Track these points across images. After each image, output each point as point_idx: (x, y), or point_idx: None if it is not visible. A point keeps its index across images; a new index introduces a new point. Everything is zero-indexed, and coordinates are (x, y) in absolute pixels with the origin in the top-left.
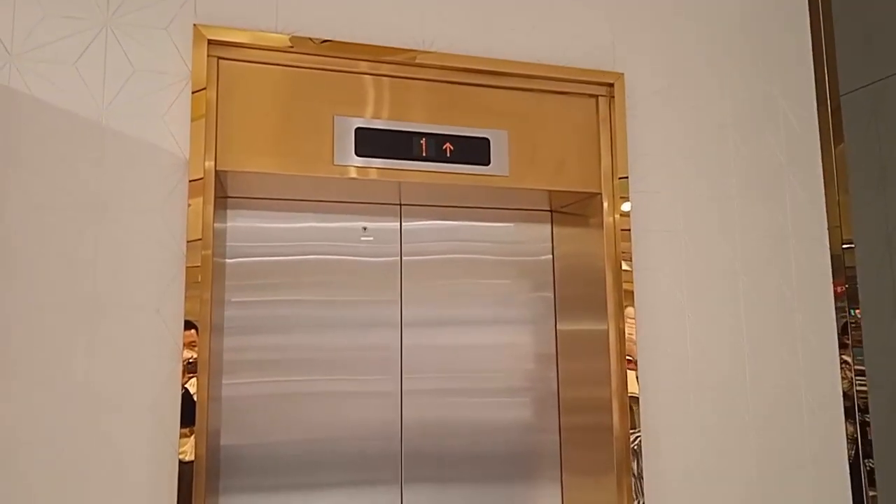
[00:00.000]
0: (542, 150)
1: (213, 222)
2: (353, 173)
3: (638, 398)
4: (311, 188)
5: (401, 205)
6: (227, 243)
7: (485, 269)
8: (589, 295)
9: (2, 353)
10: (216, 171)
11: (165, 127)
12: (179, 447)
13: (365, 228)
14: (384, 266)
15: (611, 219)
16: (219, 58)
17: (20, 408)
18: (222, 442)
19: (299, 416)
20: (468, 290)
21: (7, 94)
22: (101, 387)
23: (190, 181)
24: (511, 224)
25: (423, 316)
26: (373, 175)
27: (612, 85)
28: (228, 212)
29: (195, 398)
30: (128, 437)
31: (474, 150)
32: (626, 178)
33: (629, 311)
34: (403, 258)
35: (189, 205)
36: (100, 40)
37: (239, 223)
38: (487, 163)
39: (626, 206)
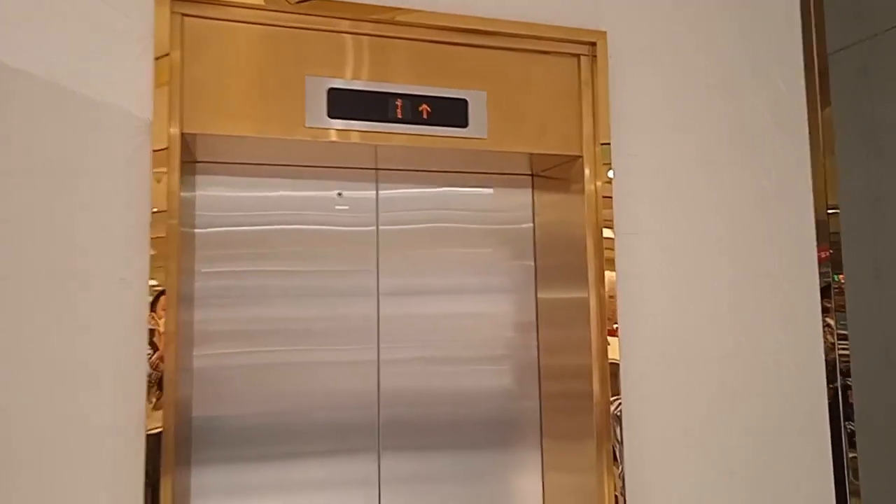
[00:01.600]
0: (521, 111)
1: (180, 190)
2: (325, 136)
3: (619, 365)
4: (283, 152)
5: (377, 169)
6: (197, 212)
7: (464, 237)
8: (570, 262)
9: None
10: (182, 134)
11: (127, 87)
12: (147, 419)
13: (340, 194)
14: (360, 235)
15: (592, 186)
16: (183, 14)
17: None
18: (194, 413)
19: (273, 386)
20: (447, 258)
21: None
22: (64, 357)
23: (154, 151)
24: (491, 190)
25: (400, 285)
26: (346, 137)
27: (594, 44)
28: (197, 179)
29: (163, 369)
30: (94, 409)
31: (452, 112)
32: (608, 144)
33: (610, 277)
34: (380, 227)
35: (154, 173)
36: None
37: (209, 192)
38: (465, 125)
39: (609, 175)
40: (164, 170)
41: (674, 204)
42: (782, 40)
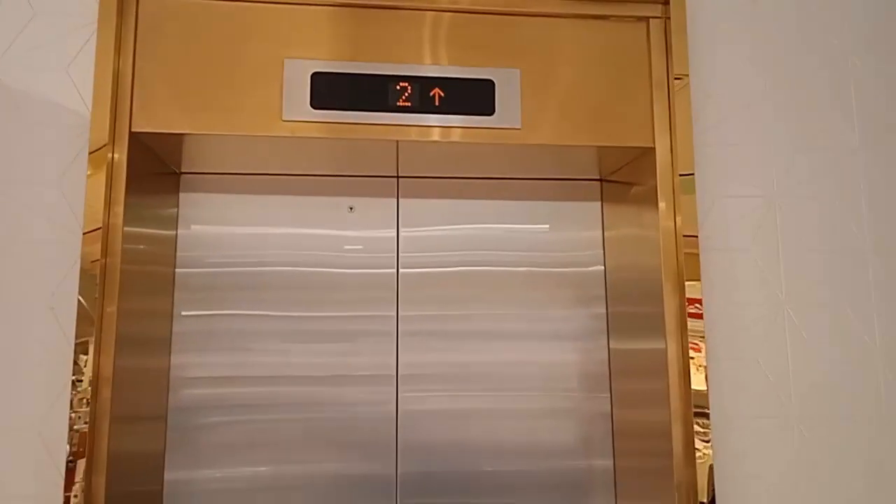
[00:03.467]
0: (568, 94)
1: (127, 197)
2: (306, 131)
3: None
4: (262, 155)
5: (398, 177)
6: (180, 253)
7: (521, 280)
8: (645, 311)
9: None
10: (132, 134)
11: (70, 81)
12: (66, 482)
13: (351, 209)
14: (377, 277)
15: (670, 223)
16: None
17: None
18: (168, 472)
19: (267, 437)
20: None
21: None
22: None
23: (91, 153)
24: (546, 226)
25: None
26: (333, 132)
27: (667, 2)
28: (181, 215)
29: (89, 423)
30: (11, 473)
31: (473, 96)
32: (691, 174)
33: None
34: (400, 270)
35: (89, 178)
36: None
37: (193, 230)
38: (491, 112)
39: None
40: (101, 175)
41: (789, 212)
42: None
